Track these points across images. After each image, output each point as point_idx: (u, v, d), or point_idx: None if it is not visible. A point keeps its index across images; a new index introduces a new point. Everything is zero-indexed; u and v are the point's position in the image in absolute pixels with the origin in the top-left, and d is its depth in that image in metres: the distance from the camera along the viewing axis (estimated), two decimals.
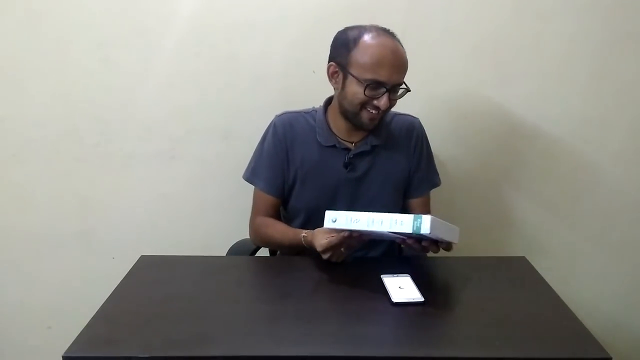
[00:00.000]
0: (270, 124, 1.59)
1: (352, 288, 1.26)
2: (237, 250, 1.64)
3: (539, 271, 1.37)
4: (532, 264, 1.41)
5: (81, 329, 1.08)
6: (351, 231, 1.26)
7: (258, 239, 1.60)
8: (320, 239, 1.33)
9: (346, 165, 1.53)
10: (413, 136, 1.60)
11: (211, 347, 1.02)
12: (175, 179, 1.97)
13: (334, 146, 1.53)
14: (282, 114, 1.59)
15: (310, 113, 1.58)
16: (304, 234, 1.43)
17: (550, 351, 1.03)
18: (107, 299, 1.20)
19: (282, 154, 1.55)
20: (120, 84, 1.87)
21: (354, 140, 1.54)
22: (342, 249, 1.32)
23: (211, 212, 1.98)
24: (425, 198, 1.65)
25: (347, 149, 1.53)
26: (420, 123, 1.62)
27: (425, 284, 1.26)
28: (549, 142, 1.94)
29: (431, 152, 1.66)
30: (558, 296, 1.23)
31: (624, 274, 2.07)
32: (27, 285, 2.07)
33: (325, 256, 1.33)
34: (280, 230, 1.54)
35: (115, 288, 1.25)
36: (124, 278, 1.30)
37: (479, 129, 1.94)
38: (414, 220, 1.16)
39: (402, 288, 1.23)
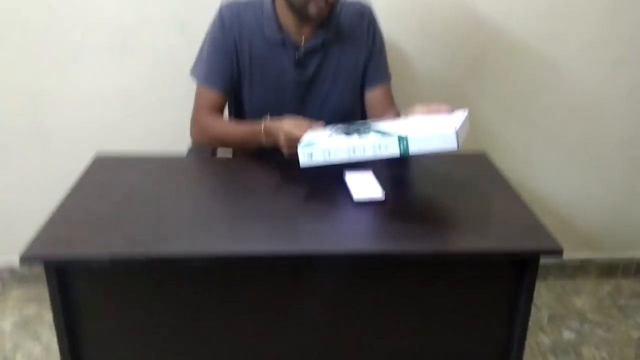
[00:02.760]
0: (216, 13, 1.47)
1: (315, 186, 1.26)
2: (197, 149, 1.60)
3: (499, 167, 1.38)
4: (493, 160, 1.43)
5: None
6: (329, 164, 1.14)
7: (205, 136, 1.49)
8: (290, 127, 1.25)
9: (296, 65, 1.46)
10: (364, 24, 1.50)
11: (172, 246, 1.02)
12: (130, 73, 1.88)
13: (282, 42, 1.44)
14: (228, 3, 1.47)
15: (257, 3, 1.46)
16: (265, 122, 1.33)
17: (505, 243, 1.07)
18: (63, 199, 1.17)
19: (230, 46, 1.44)
20: None
21: (304, 34, 1.45)
22: None
23: (168, 110, 1.91)
24: (384, 89, 1.55)
25: (297, 47, 1.45)
26: (370, 9, 1.52)
27: (387, 180, 1.27)
28: (514, 37, 1.91)
29: (384, 42, 1.56)
30: (514, 191, 1.26)
31: (579, 169, 2.13)
32: None
33: (285, 150, 1.27)
34: (231, 123, 1.47)
35: (72, 188, 1.21)
36: (80, 177, 1.27)
37: (445, 23, 1.88)
38: (399, 141, 1.06)
39: (363, 185, 1.24)
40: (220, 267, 1.06)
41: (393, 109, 1.51)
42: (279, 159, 1.31)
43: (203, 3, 1.75)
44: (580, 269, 2.27)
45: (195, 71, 1.50)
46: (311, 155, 1.12)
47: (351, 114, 1.53)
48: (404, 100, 1.61)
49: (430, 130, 1.08)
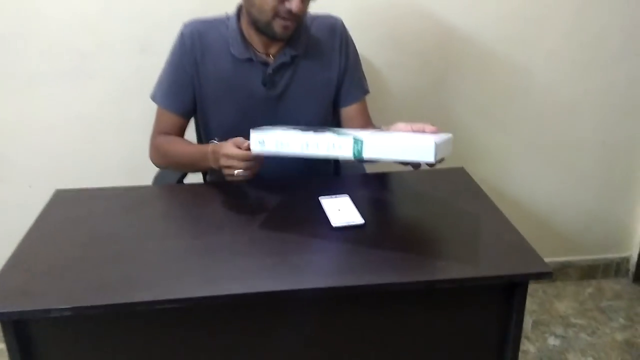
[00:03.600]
0: (178, 34, 1.41)
1: (290, 213, 1.20)
2: (164, 175, 1.53)
3: (477, 179, 1.35)
4: (470, 169, 1.38)
5: None
6: (280, 155, 1.12)
7: (159, 158, 1.44)
8: (229, 147, 1.19)
9: (265, 82, 1.39)
10: (336, 38, 1.44)
11: (140, 292, 0.95)
12: (90, 99, 1.80)
13: (249, 60, 1.38)
14: (190, 21, 1.40)
15: (223, 20, 1.40)
16: (212, 144, 1.27)
17: (492, 269, 1.02)
18: (19, 244, 1.08)
19: (190, 68, 1.38)
20: None
21: (271, 51, 1.40)
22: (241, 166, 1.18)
23: (132, 134, 1.83)
24: (360, 105, 1.50)
25: (265, 63, 1.39)
26: (342, 23, 1.45)
27: (364, 203, 1.22)
28: (485, 44, 1.88)
29: (358, 55, 1.51)
30: (497, 207, 1.22)
31: (556, 174, 2.11)
32: None
33: (225, 171, 1.21)
34: (183, 144, 1.40)
35: (28, 230, 1.13)
36: (38, 216, 1.18)
37: (415, 32, 1.84)
38: (354, 143, 1.03)
39: (341, 210, 1.18)
40: (193, 310, 0.99)
41: (370, 125, 1.46)
42: (250, 185, 1.25)
43: (165, 22, 1.69)
44: (561, 271, 2.25)
45: (154, 93, 1.44)
46: (263, 142, 1.10)
47: None
48: (378, 114, 1.57)
49: (406, 140, 1.04)
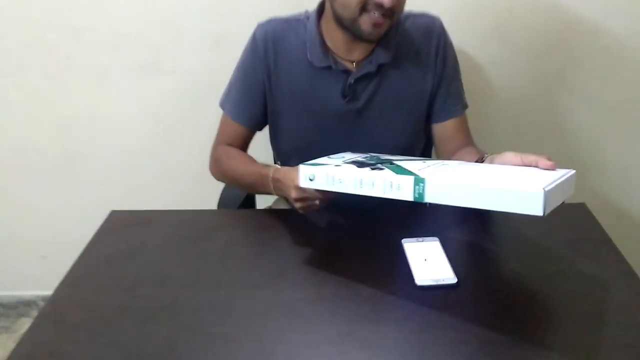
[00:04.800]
0: (251, 36, 1.23)
1: (364, 262, 1.00)
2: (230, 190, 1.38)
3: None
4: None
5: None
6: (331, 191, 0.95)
7: (217, 173, 1.29)
8: (293, 182, 1.02)
9: (344, 94, 1.19)
10: (432, 41, 1.20)
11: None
12: (164, 96, 1.70)
13: (329, 67, 1.17)
14: (266, 22, 1.22)
15: (302, 21, 1.20)
16: (275, 169, 1.12)
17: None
18: (61, 282, 0.97)
19: (262, 75, 1.20)
20: None
21: (356, 57, 1.18)
22: (317, 202, 1.03)
23: (206, 134, 1.69)
24: (457, 122, 1.26)
25: (347, 71, 1.18)
26: (440, 23, 1.22)
27: (459, 250, 1.00)
28: (611, 39, 1.57)
29: (457, 62, 1.26)
30: (630, 268, 0.96)
31: None
32: (16, 215, 1.88)
33: (297, 205, 1.05)
34: (245, 162, 1.23)
35: (73, 265, 1.01)
36: (85, 248, 1.06)
37: (526, 24, 1.56)
38: (415, 184, 0.85)
39: (428, 260, 0.97)
40: None
41: (470, 146, 1.23)
42: (325, 214, 1.07)
43: (239, 15, 1.54)
44: None
45: (222, 101, 1.30)
46: (313, 177, 0.95)
47: (410, 151, 1.26)
48: (476, 122, 1.32)
49: (498, 184, 0.82)
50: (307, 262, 1.01)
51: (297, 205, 1.04)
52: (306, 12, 1.21)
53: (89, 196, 1.81)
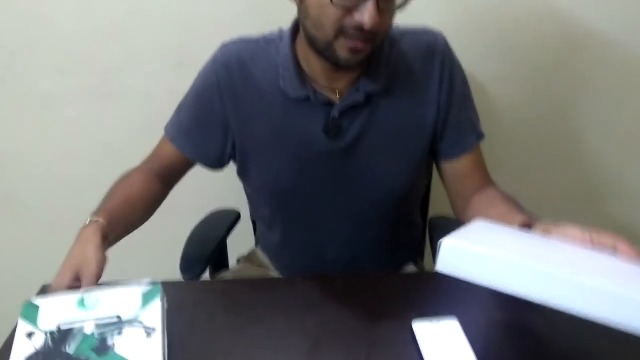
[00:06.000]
0: (211, 58, 1.02)
1: (364, 349, 0.78)
2: (214, 220, 1.24)
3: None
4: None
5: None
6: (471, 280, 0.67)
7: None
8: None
9: (327, 130, 0.97)
10: (435, 62, 0.98)
11: None
12: (116, 123, 1.49)
13: (307, 99, 0.96)
14: (230, 42, 1.01)
15: (274, 41, 0.99)
16: (91, 220, 0.90)
17: None
18: None
19: (219, 107, 0.99)
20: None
21: (339, 86, 0.96)
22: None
23: None
24: (472, 157, 1.03)
25: (329, 102, 0.96)
26: (444, 40, 1.00)
27: (482, 334, 0.78)
28: (632, 52, 1.41)
29: (467, 85, 1.04)
30: None
31: None
32: None
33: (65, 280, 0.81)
34: (112, 194, 1.00)
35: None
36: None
37: (534, 37, 1.39)
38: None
39: (444, 347, 0.75)
40: None
41: (491, 188, 1.01)
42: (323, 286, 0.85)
43: (202, 31, 1.36)
44: None
45: (168, 125, 1.07)
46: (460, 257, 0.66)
47: (408, 197, 1.05)
48: (482, 147, 1.11)
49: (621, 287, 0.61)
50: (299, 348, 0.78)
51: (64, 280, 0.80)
52: (280, 30, 0.99)
53: (35, 241, 1.58)
